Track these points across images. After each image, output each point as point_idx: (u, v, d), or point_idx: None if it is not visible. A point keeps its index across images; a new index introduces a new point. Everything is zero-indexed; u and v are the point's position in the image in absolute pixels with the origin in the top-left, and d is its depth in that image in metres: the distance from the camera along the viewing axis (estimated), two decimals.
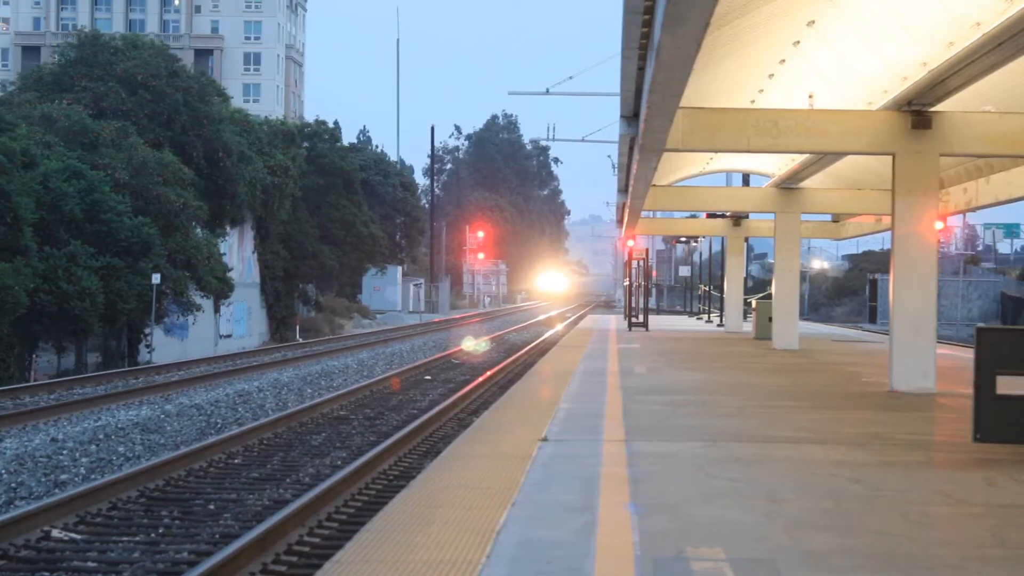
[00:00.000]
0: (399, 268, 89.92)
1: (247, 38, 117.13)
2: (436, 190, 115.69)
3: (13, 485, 14.03)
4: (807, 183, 29.45)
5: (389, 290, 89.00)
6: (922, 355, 17.03)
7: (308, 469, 14.89)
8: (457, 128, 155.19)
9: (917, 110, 16.83)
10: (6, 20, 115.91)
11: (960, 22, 13.68)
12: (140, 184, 38.47)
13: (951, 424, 13.38)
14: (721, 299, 45.98)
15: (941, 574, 6.62)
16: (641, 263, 43.96)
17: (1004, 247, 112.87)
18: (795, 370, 22.09)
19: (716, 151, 25.84)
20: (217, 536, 11.03)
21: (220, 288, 43.68)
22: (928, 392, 16.76)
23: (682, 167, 31.75)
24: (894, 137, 17.10)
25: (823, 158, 24.12)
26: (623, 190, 30.58)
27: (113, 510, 12.19)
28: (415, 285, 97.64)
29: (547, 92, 50.78)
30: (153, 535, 11.15)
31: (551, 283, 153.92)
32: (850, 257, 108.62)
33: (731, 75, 19.18)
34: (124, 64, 44.03)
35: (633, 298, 43.47)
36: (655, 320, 46.32)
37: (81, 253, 33.44)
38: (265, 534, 10.17)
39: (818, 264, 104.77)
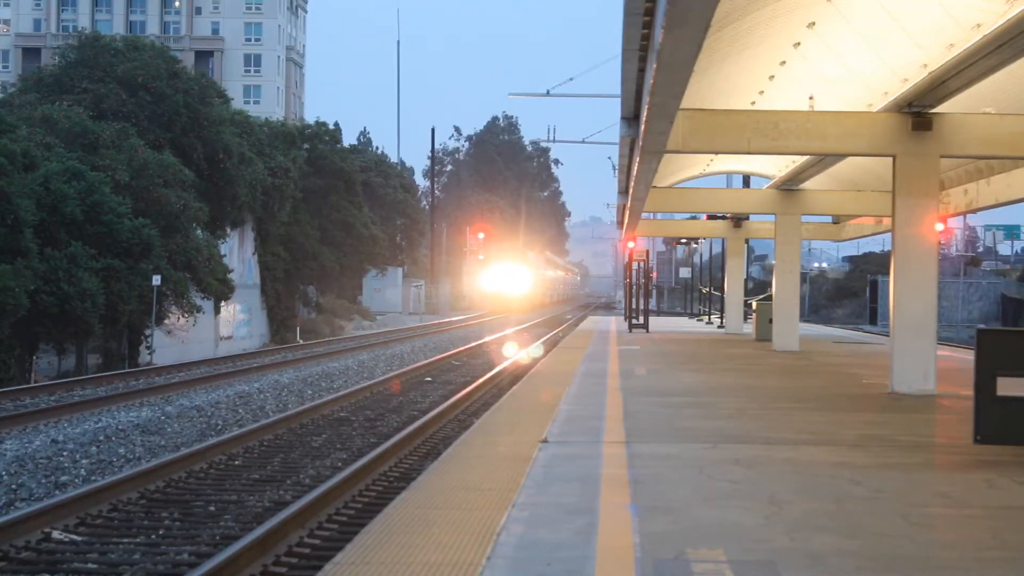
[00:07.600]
0: (399, 270, 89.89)
1: (247, 40, 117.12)
2: (436, 192, 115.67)
3: (14, 486, 14.03)
4: (807, 185, 29.45)
5: (389, 292, 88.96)
6: (922, 357, 17.02)
7: (308, 471, 14.89)
8: (457, 130, 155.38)
9: (917, 112, 16.83)
10: (7, 22, 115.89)
11: (960, 24, 13.68)
12: (140, 186, 38.49)
13: (952, 426, 13.37)
14: (721, 301, 45.95)
15: None
16: (641, 265, 43.93)
17: (1005, 249, 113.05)
18: (795, 372, 22.08)
19: (717, 152, 25.85)
20: (217, 537, 11.03)
21: (220, 290, 43.70)
22: (929, 394, 16.75)
23: (682, 169, 31.75)
24: (894, 139, 17.10)
25: (823, 160, 24.12)
26: (623, 192, 30.59)
27: (113, 511, 12.19)
28: (415, 287, 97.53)
29: (547, 94, 50.72)
30: (154, 536, 11.15)
31: (503, 283, 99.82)
32: (850, 259, 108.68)
33: (732, 77, 19.17)
34: (124, 66, 44.06)
35: (633, 300, 43.46)
36: (655, 322, 46.30)
37: (82, 254, 33.43)
38: (265, 536, 10.18)
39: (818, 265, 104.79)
